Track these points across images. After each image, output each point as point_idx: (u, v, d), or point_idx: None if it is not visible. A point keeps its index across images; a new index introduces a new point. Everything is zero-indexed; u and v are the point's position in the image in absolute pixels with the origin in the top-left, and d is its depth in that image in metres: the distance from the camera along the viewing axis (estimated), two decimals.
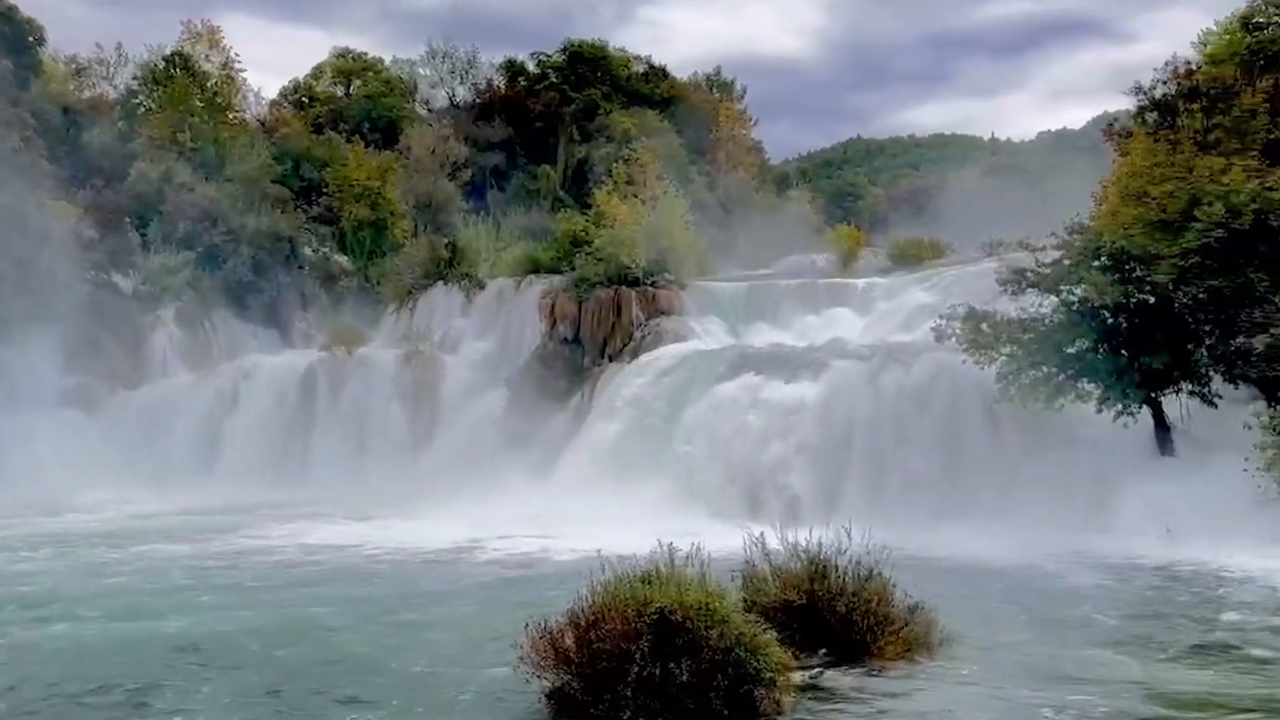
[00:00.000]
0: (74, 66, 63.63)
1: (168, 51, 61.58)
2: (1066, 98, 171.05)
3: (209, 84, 61.52)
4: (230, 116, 62.40)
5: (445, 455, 40.62)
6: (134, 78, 62.84)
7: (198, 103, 59.80)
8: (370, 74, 71.62)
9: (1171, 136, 31.02)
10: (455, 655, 16.90)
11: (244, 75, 64.72)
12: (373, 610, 20.50)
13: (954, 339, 29.79)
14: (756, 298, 43.51)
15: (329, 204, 57.62)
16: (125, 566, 25.66)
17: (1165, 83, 31.49)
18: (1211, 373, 28.32)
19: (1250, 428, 25.79)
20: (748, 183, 74.41)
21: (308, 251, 55.29)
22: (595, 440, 36.35)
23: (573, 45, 77.52)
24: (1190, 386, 28.52)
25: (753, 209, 68.32)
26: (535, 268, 47.84)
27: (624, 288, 42.38)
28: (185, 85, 59.50)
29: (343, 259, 56.36)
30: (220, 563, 26.05)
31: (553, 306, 43.21)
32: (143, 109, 60.34)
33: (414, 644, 17.83)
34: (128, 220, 51.26)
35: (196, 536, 30.23)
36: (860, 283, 43.24)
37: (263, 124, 66.94)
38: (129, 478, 40.07)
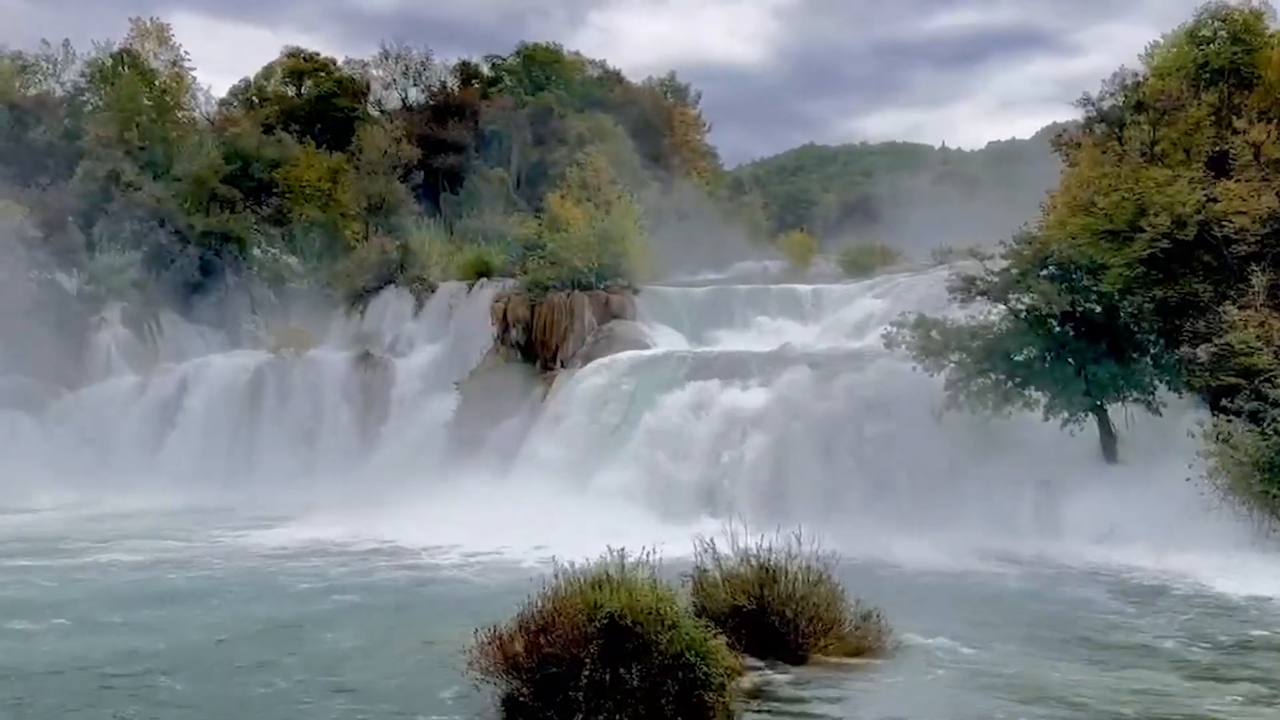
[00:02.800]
0: (19, 63, 62.59)
1: (116, 49, 60.97)
2: (1015, 108, 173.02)
3: (157, 82, 60.75)
4: (179, 115, 61.67)
5: (395, 460, 40.38)
6: (81, 75, 61.98)
7: (146, 101, 59.06)
8: (322, 74, 71.01)
9: (1119, 148, 31.47)
10: (402, 665, 16.73)
11: (193, 74, 64.30)
12: (303, 617, 20.23)
13: (904, 346, 29.96)
14: (710, 303, 43.59)
15: (279, 205, 57.08)
16: (39, 574, 25.24)
17: (1113, 95, 31.93)
18: (1156, 381, 28.69)
19: (1194, 436, 26.16)
20: (702, 188, 74.55)
21: (257, 252, 54.76)
22: (547, 445, 36.23)
23: (527, 49, 77.35)
24: (1135, 395, 28.86)
25: (707, 214, 68.42)
26: (487, 271, 47.62)
27: (577, 292, 42.29)
28: (133, 83, 58.75)
29: (292, 260, 55.91)
30: (141, 574, 25.52)
31: (505, 310, 43.06)
32: (90, 107, 59.56)
33: (358, 654, 17.62)
34: (73, 219, 50.64)
35: (132, 541, 29.95)
36: (812, 289, 43.42)
37: (212, 123, 66.09)
38: (71, 480, 39.65)
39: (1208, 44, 32.20)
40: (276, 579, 24.90)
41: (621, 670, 12.98)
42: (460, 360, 44.47)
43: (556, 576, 14.14)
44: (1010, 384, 29.28)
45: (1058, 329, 29.26)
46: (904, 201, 70.42)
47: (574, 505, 31.85)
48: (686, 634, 13.48)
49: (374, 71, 74.24)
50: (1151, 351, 28.96)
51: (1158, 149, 30.90)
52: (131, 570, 26.17)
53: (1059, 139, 35.04)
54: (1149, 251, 28.31)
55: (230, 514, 35.79)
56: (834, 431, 31.96)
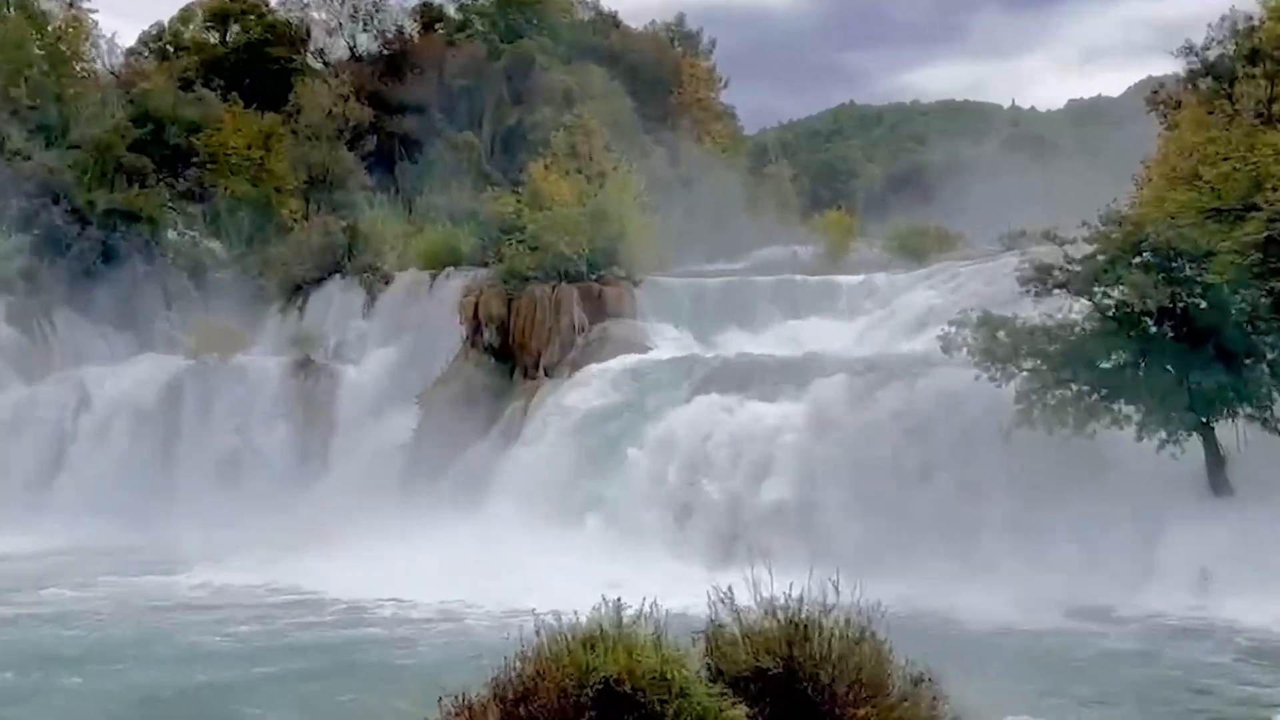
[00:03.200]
0: None
1: None
2: (1101, 59, 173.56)
3: (50, 27, 61.02)
4: (77, 68, 61.92)
5: (340, 490, 40.50)
6: None
7: (36, 50, 59.29)
8: (251, 17, 71.07)
9: (1229, 107, 31.54)
10: None
11: (94, 17, 64.45)
12: (212, 689, 20.02)
13: (965, 350, 30.00)
14: (726, 298, 43.73)
15: (199, 177, 57.18)
16: None
17: (1221, 42, 31.95)
18: (1275, 394, 28.70)
19: None
20: (716, 157, 74.72)
21: (172, 235, 54.84)
22: (526, 472, 36.33)
23: None
24: (1249, 410, 28.86)
25: (723, 189, 68.51)
26: (455, 259, 47.66)
27: (564, 284, 42.45)
28: (20, 28, 58.81)
29: (216, 245, 55.97)
30: (10, 632, 25.30)
31: (476, 307, 43.14)
32: None
33: None
34: None
35: (4, 593, 29.82)
36: (852, 280, 43.52)
37: (117, 78, 66.27)
38: None
39: None
40: (183, 638, 24.91)
41: None
42: (421, 368, 44.53)
43: (539, 633, 14.06)
44: (1095, 396, 29.31)
45: (1154, 329, 29.27)
46: (964, 173, 70.31)
47: (560, 547, 31.84)
48: (699, 702, 13.38)
49: (315, 14, 74.38)
50: (1269, 357, 28.92)
51: (1276, 108, 30.91)
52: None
53: (1155, 96, 35.14)
54: (1266, 234, 28.27)
55: (136, 557, 35.83)
56: (878, 455, 31.99)
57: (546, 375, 41.08)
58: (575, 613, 14.25)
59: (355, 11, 74.32)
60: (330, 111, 63.23)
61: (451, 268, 47.45)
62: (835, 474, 32.14)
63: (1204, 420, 29.14)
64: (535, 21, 76.13)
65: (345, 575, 30.47)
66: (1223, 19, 32.29)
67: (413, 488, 38.36)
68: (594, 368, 38.72)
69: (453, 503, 36.21)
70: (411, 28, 75.18)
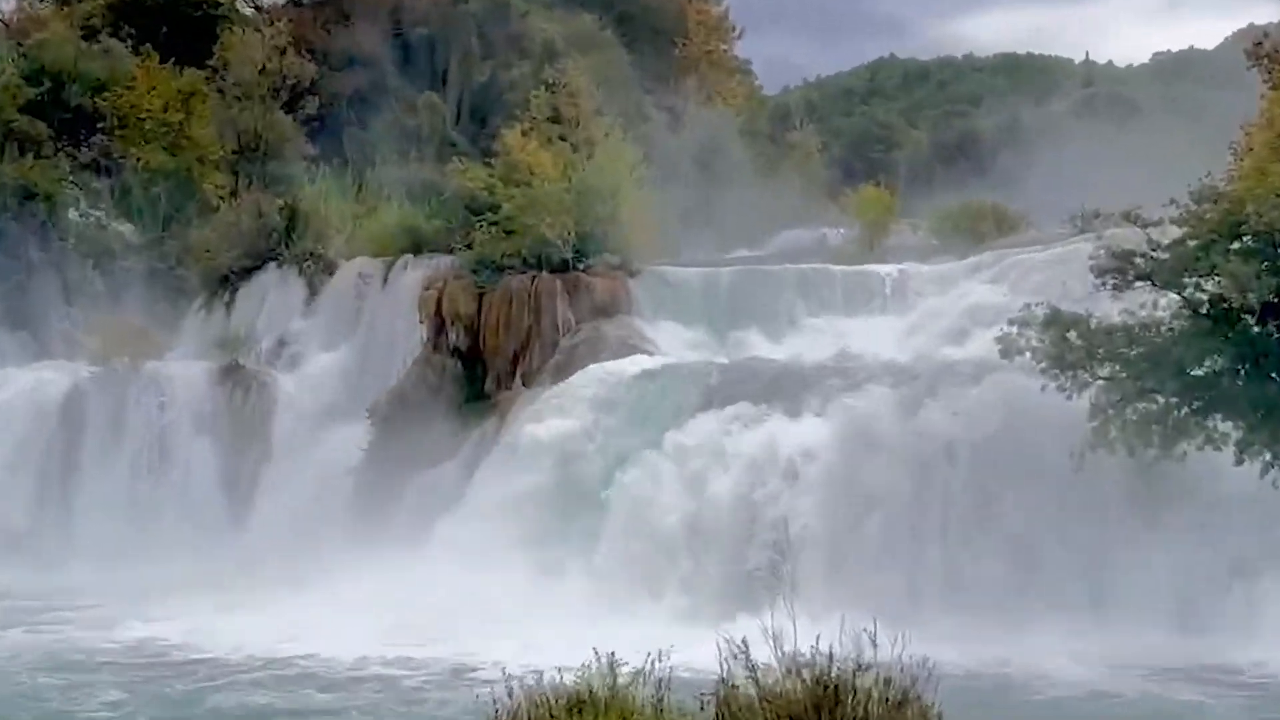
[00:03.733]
0: None
1: None
2: (1193, 3, 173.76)
3: None
4: None
5: (277, 521, 40.46)
6: None
7: None
8: None
9: None
10: None
11: None
12: None
13: (1029, 354, 29.91)
14: (741, 291, 43.69)
15: (106, 146, 56.98)
16: None
17: None
18: None
19: None
20: (730, 122, 74.65)
21: (74, 216, 54.61)
22: (499, 500, 36.14)
23: None
24: None
25: (737, 160, 68.47)
26: (414, 244, 47.62)
27: (545, 275, 42.39)
28: None
29: (126, 228, 55.73)
30: None
31: (439, 302, 43.07)
32: None
33: None
34: None
35: None
36: (892, 271, 43.40)
37: (7, 26, 66.09)
38: None
39: None
40: (64, 705, 24.91)
41: None
42: (373, 376, 44.59)
43: (512, 695, 14.05)
44: (1186, 410, 29.18)
45: (1256, 329, 29.15)
46: (1027, 141, 70.39)
47: (540, 591, 31.84)
48: None
49: None
50: None
51: None
52: None
53: (1257, 49, 34.93)
54: None
55: (23, 604, 35.59)
56: (924, 480, 31.98)
57: (524, 385, 41.06)
58: (559, 671, 14.18)
59: None
60: (264, 67, 62.98)
61: (410, 255, 47.26)
62: (872, 504, 32.02)
63: None
64: None
65: (278, 627, 30.43)
66: None
67: (362, 519, 38.37)
68: (582, 376, 38.57)
69: (411, 538, 36.08)
70: None
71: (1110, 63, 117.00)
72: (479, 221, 44.55)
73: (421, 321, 43.81)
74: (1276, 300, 28.78)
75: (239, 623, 31.27)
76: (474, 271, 43.20)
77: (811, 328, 41.58)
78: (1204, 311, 29.40)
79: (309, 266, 49.50)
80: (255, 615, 31.49)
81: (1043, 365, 29.78)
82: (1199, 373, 29.28)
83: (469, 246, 44.24)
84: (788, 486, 32.96)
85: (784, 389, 35.23)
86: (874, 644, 15.61)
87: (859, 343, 38.34)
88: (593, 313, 42.08)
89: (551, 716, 13.79)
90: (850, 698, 15.50)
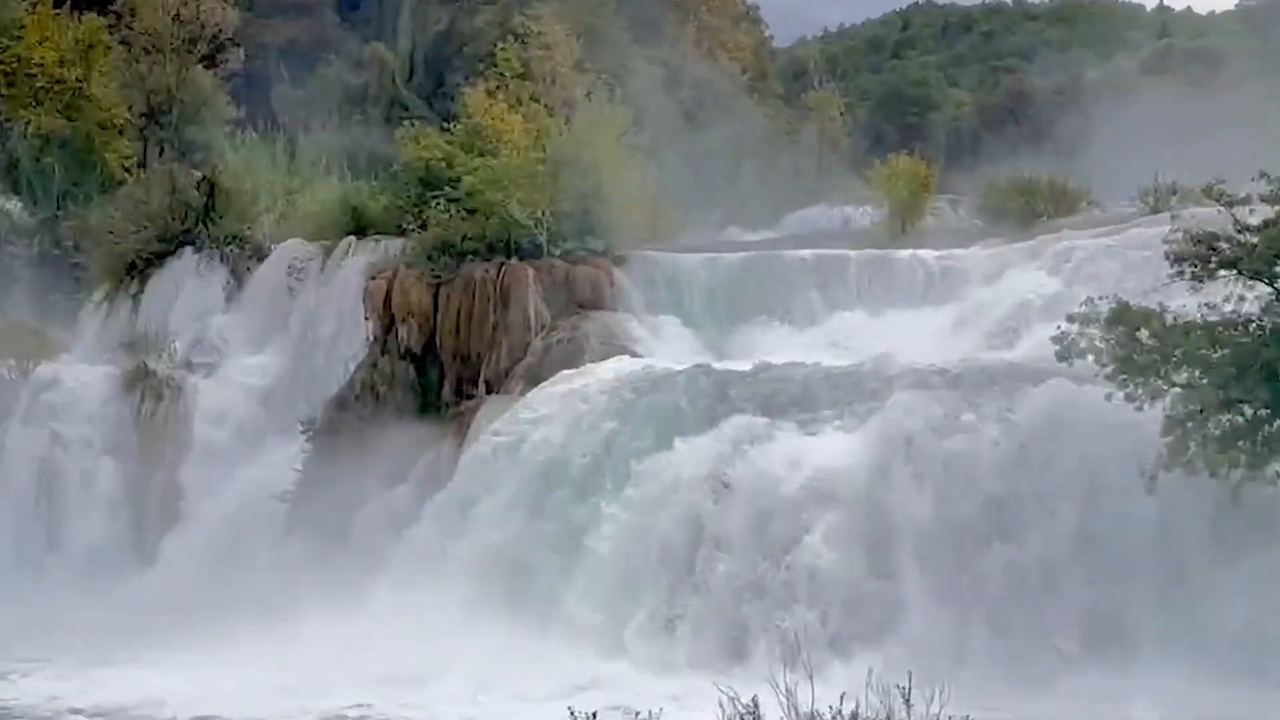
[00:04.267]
0: None
1: None
2: None
3: None
4: None
5: (190, 558, 40.56)
6: None
7: None
8: None
9: None
10: None
11: None
12: None
13: (1092, 356, 29.99)
14: (749, 282, 43.85)
15: None
16: None
17: None
18: None
19: None
20: (736, 80, 74.72)
21: None
22: (459, 536, 36.33)
23: None
24: None
25: (744, 125, 68.44)
26: (359, 225, 47.92)
27: (515, 262, 42.59)
28: None
29: (13, 205, 55.75)
30: None
31: (388, 294, 43.32)
32: None
33: None
34: None
35: None
36: (930, 257, 43.62)
37: None
38: None
39: None
40: None
41: None
42: (310, 382, 44.91)
43: None
44: (1278, 424, 29.23)
45: None
46: (1090, 103, 70.57)
47: (508, 640, 31.91)
48: None
49: None
50: None
51: None
52: None
53: None
54: None
55: None
56: (970, 507, 31.90)
57: (489, 393, 41.22)
58: None
59: None
60: (177, 14, 62.91)
61: (353, 239, 47.60)
62: (907, 534, 31.93)
63: None
64: None
65: (196, 687, 30.37)
66: None
67: (297, 557, 38.30)
68: (557, 384, 38.75)
69: (354, 580, 36.10)
70: None
71: (1189, 9, 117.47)
72: (435, 198, 44.87)
73: (367, 317, 43.98)
74: None
75: (148, 683, 31.19)
76: (429, 258, 43.34)
77: (833, 325, 41.80)
78: None
79: (232, 251, 49.62)
80: (166, 675, 31.36)
81: (1108, 370, 29.81)
82: None
83: (423, 228, 44.44)
84: (805, 518, 32.84)
85: (800, 399, 35.26)
86: (907, 702, 15.66)
87: (890, 343, 38.11)
88: (571, 307, 42.36)
89: None
90: None
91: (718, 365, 38.47)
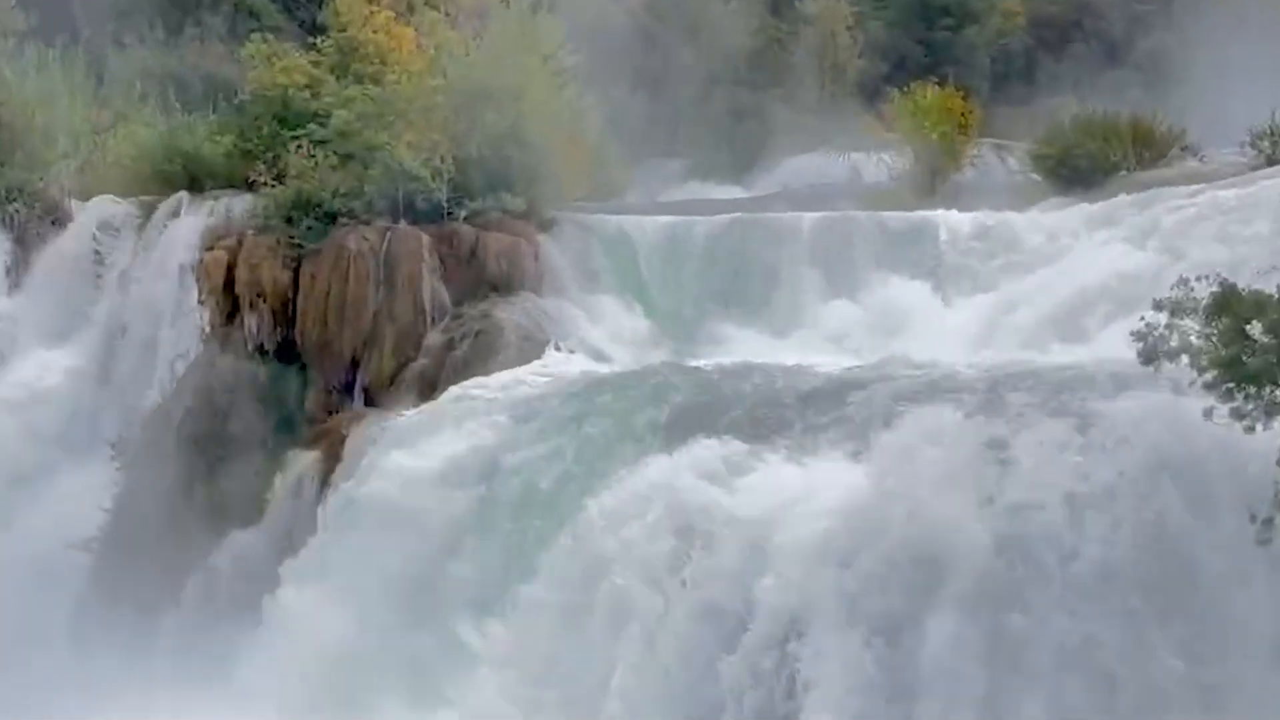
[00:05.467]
0: None
1: None
2: None
3: None
4: None
5: None
6: None
7: None
8: None
9: None
10: None
11: None
12: None
13: (1187, 359, 29.93)
14: (726, 254, 44.37)
15: None
16: None
17: None
18: None
19: None
20: None
21: None
22: (325, 605, 36.07)
23: None
24: None
25: (721, 43, 68.34)
26: (190, 177, 48.12)
27: (405, 227, 42.98)
28: None
29: None
30: None
31: (231, 270, 43.42)
32: None
33: None
34: None
35: None
36: (968, 222, 43.94)
37: None
38: None
39: None
40: None
41: None
42: (123, 388, 45.35)
43: None
44: None
45: None
46: (1186, 16, 70.63)
47: None
48: None
49: None
50: None
51: None
52: None
53: None
54: None
55: None
56: (1019, 564, 30.85)
57: (370, 404, 41.49)
58: None
59: None
60: None
61: (184, 194, 47.56)
62: (935, 602, 31.06)
63: None
64: None
65: None
66: None
67: (100, 630, 38.34)
68: (462, 392, 38.65)
69: (180, 667, 36.13)
70: None
71: None
72: (296, 139, 44.91)
73: (202, 301, 44.06)
74: None
75: None
76: (288, 221, 43.49)
77: (836, 315, 42.14)
78: None
79: (17, 212, 49.36)
80: None
81: (1209, 376, 29.64)
82: None
83: (279, 180, 44.56)
84: (796, 575, 31.93)
85: (793, 414, 34.95)
86: None
87: (913, 340, 38.30)
88: (481, 288, 42.72)
89: None
90: None
91: (680, 367, 38.42)
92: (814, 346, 39.51)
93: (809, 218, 45.24)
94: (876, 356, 37.08)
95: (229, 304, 43.30)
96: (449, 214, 43.15)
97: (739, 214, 46.70)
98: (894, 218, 44.51)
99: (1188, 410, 30.13)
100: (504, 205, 43.65)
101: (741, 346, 39.95)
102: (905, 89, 57.13)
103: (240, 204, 45.47)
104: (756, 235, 44.64)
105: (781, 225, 45.02)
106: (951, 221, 43.83)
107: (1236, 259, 32.61)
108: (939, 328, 39.98)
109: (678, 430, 35.29)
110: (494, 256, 42.80)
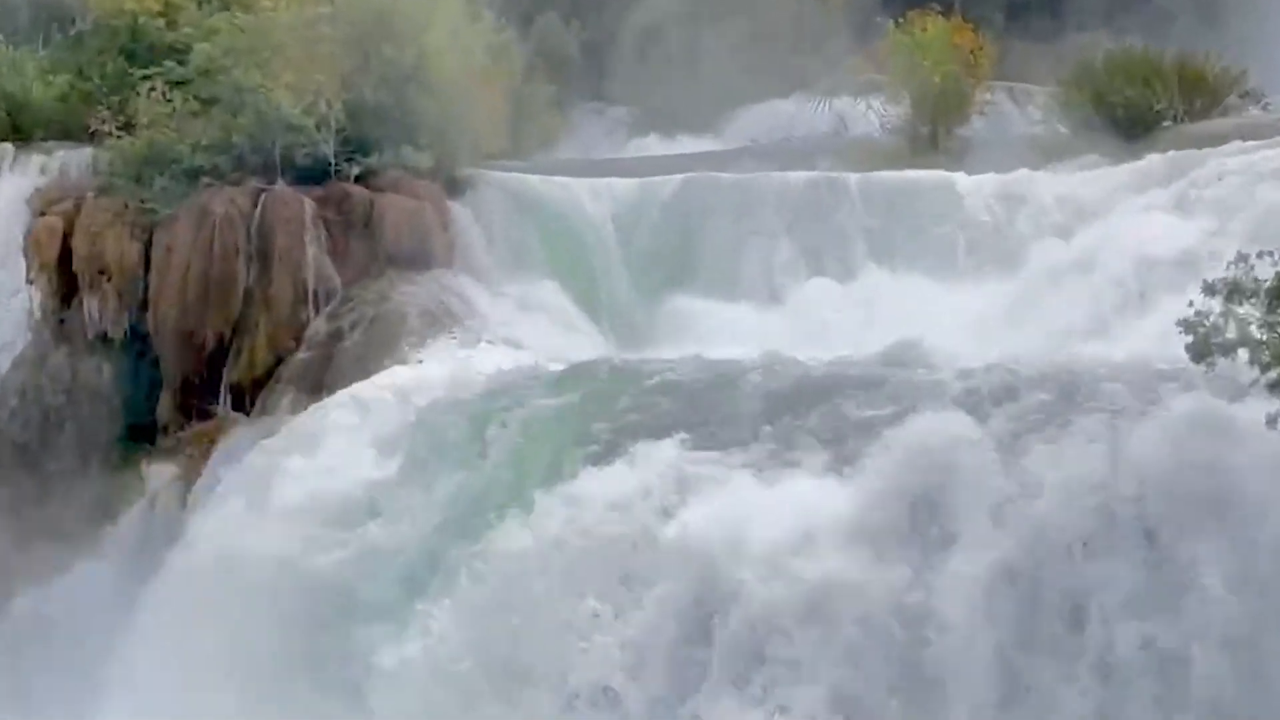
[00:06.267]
0: None
1: None
2: None
3: None
4: None
5: None
6: None
7: None
8: None
9: None
10: None
11: None
12: None
13: (1246, 354, 30.06)
14: (678, 221, 44.75)
15: None
16: None
17: None
18: None
19: None
20: None
21: None
22: (184, 646, 35.86)
23: None
24: None
25: None
26: (16, 125, 48.04)
27: (284, 188, 42.94)
28: None
29: None
30: None
31: (65, 240, 43.37)
32: None
33: None
34: None
35: None
36: (980, 186, 44.12)
37: None
38: None
39: None
40: None
41: None
42: None
43: None
44: None
45: None
46: None
47: None
48: None
49: None
50: None
51: None
52: None
53: None
54: None
55: None
56: (1041, 598, 31.09)
57: (238, 410, 41.50)
58: None
59: None
60: None
61: (9, 146, 47.31)
62: (943, 647, 31.08)
63: None
64: None
65: None
66: None
67: None
68: (354, 394, 38.50)
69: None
70: None
71: None
72: (148, 80, 44.68)
73: (30, 280, 43.95)
74: None
75: None
76: (137, 180, 43.36)
77: (817, 297, 42.39)
78: None
79: None
80: None
81: (1273, 375, 29.79)
82: None
83: (127, 129, 44.46)
84: (764, 605, 31.78)
85: (763, 418, 34.78)
86: None
87: (909, 329, 37.65)
88: (377, 264, 42.68)
89: None
90: None
91: (621, 360, 38.26)
92: (788, 336, 39.11)
93: (784, 179, 45.55)
94: (864, 349, 36.80)
95: (64, 283, 43.21)
96: (338, 173, 43.12)
97: (696, 173, 46.67)
98: (887, 179, 44.81)
99: (1248, 417, 30.13)
100: (405, 162, 43.54)
101: (695, 336, 39.71)
102: (901, 20, 57.21)
103: (78, 159, 45.25)
104: (718, 200, 44.84)
105: (750, 188, 45.17)
106: (959, 185, 43.94)
107: None
108: (941, 314, 39.79)
109: (622, 437, 35.08)
110: (393, 225, 42.76)
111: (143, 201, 42.71)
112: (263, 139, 42.68)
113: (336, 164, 42.88)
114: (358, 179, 43.08)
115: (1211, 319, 30.13)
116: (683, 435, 34.75)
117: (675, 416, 35.50)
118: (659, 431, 35.00)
